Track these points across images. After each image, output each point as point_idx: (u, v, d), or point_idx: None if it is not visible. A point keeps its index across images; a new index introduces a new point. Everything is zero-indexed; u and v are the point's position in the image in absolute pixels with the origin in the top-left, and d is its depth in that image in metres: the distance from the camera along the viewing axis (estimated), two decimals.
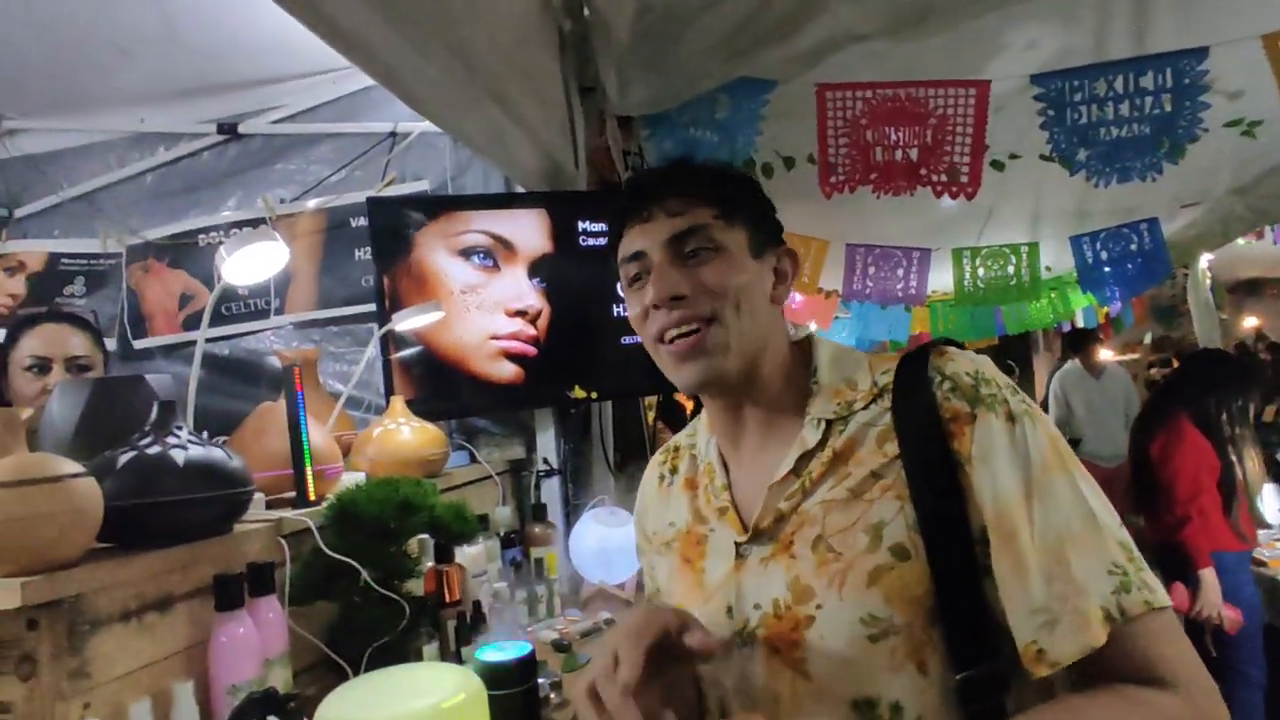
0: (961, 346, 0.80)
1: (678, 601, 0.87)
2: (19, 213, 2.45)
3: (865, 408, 0.78)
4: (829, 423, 0.79)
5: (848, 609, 0.71)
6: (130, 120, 2.36)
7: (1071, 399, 5.05)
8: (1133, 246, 4.18)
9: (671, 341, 0.79)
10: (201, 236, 2.31)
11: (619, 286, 0.88)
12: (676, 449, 0.98)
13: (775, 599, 0.76)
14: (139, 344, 2.31)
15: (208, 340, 2.29)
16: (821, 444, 0.78)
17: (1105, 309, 5.78)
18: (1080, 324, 6.05)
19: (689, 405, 4.05)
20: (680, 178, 0.84)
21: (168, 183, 2.39)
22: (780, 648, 0.75)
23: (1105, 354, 5.98)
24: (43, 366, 1.67)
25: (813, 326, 7.11)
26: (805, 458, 0.78)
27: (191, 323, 2.24)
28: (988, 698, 0.69)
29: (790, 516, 0.77)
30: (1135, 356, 7.06)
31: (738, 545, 0.80)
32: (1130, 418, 4.95)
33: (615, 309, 2.04)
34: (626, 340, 2.03)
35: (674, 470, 0.96)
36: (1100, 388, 5.03)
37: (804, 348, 0.87)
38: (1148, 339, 6.99)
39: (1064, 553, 0.67)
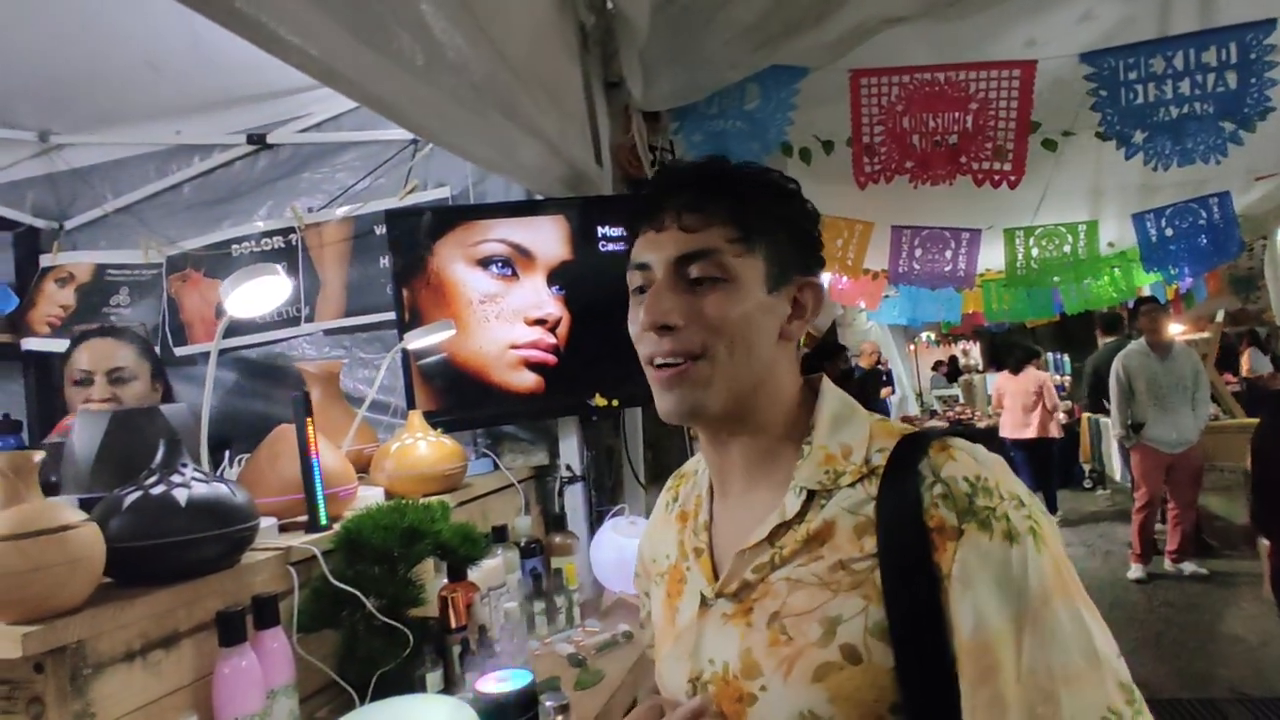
0: (962, 434, 0.73)
1: (658, 633, 0.88)
2: (68, 225, 2.56)
3: (851, 485, 0.72)
4: (812, 494, 0.73)
5: (790, 699, 0.68)
6: (166, 133, 2.43)
7: (1134, 380, 4.81)
8: (1201, 221, 3.94)
9: (657, 368, 0.76)
10: (235, 246, 2.37)
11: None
12: (683, 476, 0.96)
13: (726, 662, 0.74)
14: (180, 351, 2.40)
15: (242, 347, 2.36)
16: (800, 517, 0.73)
17: (1174, 285, 5.49)
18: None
19: None
20: (704, 186, 0.76)
21: (203, 193, 2.45)
22: (725, 713, 0.73)
23: (1175, 328, 5.68)
24: (86, 379, 1.75)
25: (862, 306, 6.98)
26: (782, 528, 0.73)
27: (227, 331, 2.29)
28: None
29: (757, 586, 0.74)
30: (1206, 335, 6.67)
31: (703, 595, 0.78)
32: (1198, 401, 4.72)
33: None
34: None
35: (676, 499, 0.94)
36: (1166, 368, 4.78)
37: (814, 389, 0.81)
38: (1220, 315, 6.59)
39: (1055, 692, 0.60)
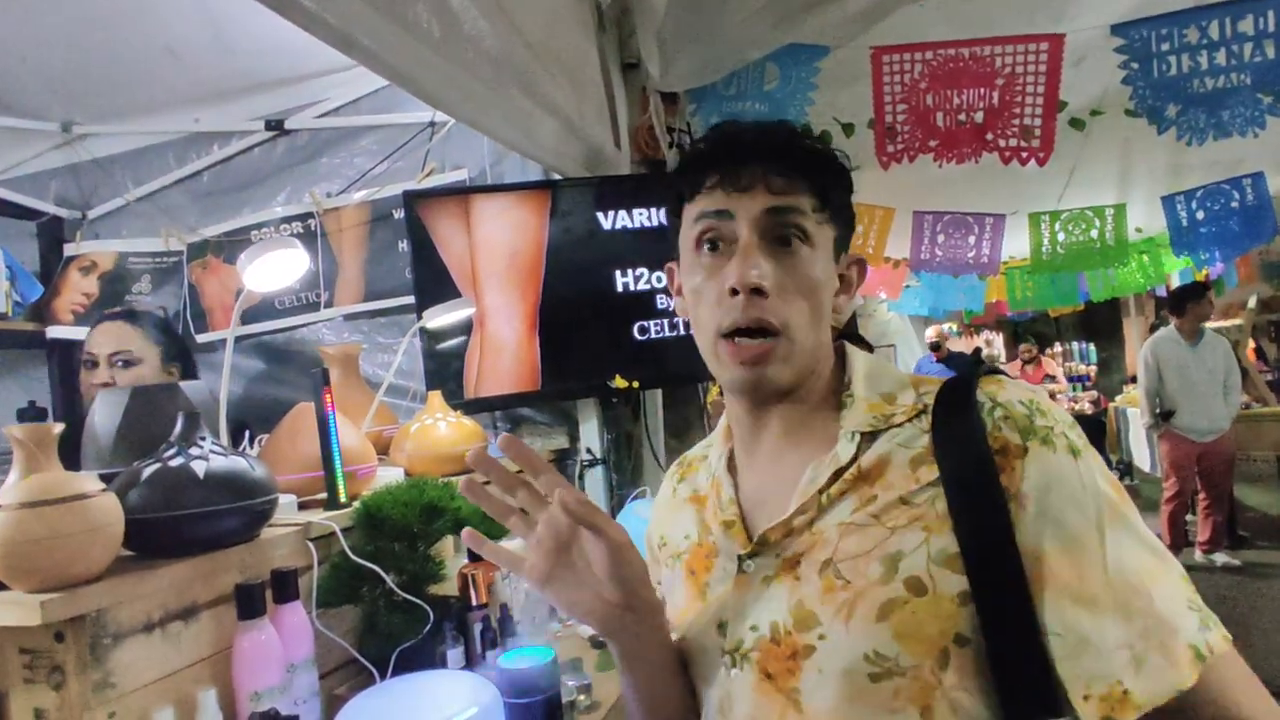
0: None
1: (677, 609, 0.85)
2: (91, 214, 2.58)
3: (902, 425, 0.73)
4: (863, 436, 0.74)
5: (853, 643, 0.66)
6: (186, 121, 2.44)
7: (1164, 368, 4.71)
8: (1234, 204, 3.83)
9: (735, 339, 0.73)
10: (254, 233, 2.37)
11: (679, 257, 0.80)
12: (689, 463, 0.95)
13: (775, 622, 0.71)
14: (201, 338, 2.40)
15: (264, 333, 2.36)
16: (852, 460, 0.73)
17: (1204, 271, 5.35)
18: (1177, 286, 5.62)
19: None
20: (789, 151, 0.75)
21: (222, 180, 2.46)
22: (774, 674, 0.71)
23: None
24: (93, 362, 1.76)
25: (882, 296, 6.90)
26: (834, 475, 0.73)
27: (248, 317, 2.30)
28: None
29: (802, 534, 0.72)
30: (1238, 321, 6.52)
31: (740, 559, 0.76)
32: (1230, 389, 4.61)
33: (657, 298, 2.00)
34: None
35: (684, 480, 0.93)
36: (1197, 356, 4.67)
37: (841, 354, 0.82)
38: (1252, 301, 6.44)
39: (1144, 587, 0.63)
